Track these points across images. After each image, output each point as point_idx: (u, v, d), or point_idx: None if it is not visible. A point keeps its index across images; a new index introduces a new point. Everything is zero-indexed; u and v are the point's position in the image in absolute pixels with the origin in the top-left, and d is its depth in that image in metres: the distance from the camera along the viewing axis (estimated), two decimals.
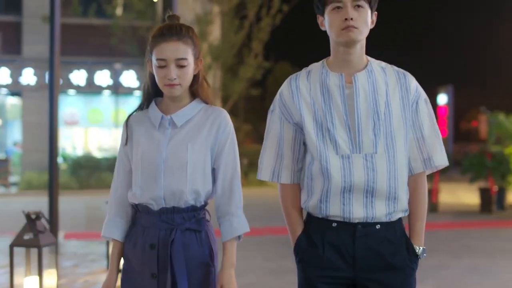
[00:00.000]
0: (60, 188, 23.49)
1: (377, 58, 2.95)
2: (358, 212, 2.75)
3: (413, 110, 2.84)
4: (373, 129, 2.75)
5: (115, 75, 26.83)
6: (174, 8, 8.21)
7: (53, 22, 8.86)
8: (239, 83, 25.69)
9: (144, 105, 2.99)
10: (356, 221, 2.76)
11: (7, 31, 26.68)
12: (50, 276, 5.07)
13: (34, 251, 5.14)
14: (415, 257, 2.84)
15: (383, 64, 2.90)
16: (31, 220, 4.92)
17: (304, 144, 2.86)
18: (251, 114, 46.43)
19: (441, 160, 2.88)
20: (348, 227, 2.76)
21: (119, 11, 25.06)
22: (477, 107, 54.87)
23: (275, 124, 2.90)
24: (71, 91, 27.42)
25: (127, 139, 2.95)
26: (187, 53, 2.83)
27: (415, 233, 2.88)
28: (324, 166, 2.75)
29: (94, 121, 28.19)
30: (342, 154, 2.74)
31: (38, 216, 4.96)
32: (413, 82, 2.86)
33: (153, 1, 24.95)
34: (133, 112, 3.00)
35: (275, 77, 46.25)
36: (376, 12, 2.87)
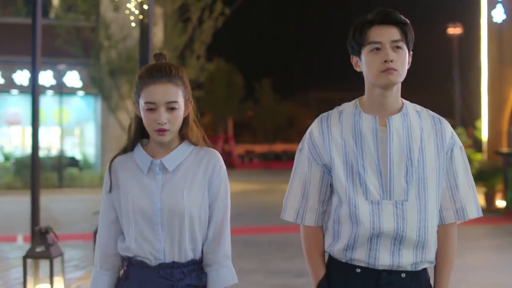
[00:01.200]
0: (5, 188, 23.72)
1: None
2: (384, 259, 2.66)
3: (447, 158, 2.75)
4: (405, 176, 2.66)
5: (59, 76, 27.03)
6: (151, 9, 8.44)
7: (35, 24, 9.05)
8: None
9: (128, 149, 2.79)
10: (381, 268, 2.67)
11: None
12: (58, 284, 5.67)
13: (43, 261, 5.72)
14: None
15: (418, 107, 2.82)
16: (42, 233, 5.54)
17: (331, 186, 2.78)
18: None
19: (475, 212, 2.79)
20: (372, 274, 2.67)
21: (63, 11, 25.22)
22: None
23: (302, 164, 2.80)
24: (14, 91, 27.49)
25: (111, 185, 2.75)
26: (178, 95, 2.66)
27: (441, 284, 2.79)
28: (353, 211, 2.66)
29: None
30: (372, 199, 2.66)
31: (48, 230, 5.58)
32: (448, 129, 2.78)
33: (97, 3, 25.26)
34: (116, 156, 2.80)
35: (210, 74, 46.74)
36: (411, 53, 2.76)
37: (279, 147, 74.43)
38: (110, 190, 2.75)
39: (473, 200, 2.79)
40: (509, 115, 19.19)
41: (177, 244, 2.67)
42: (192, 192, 2.70)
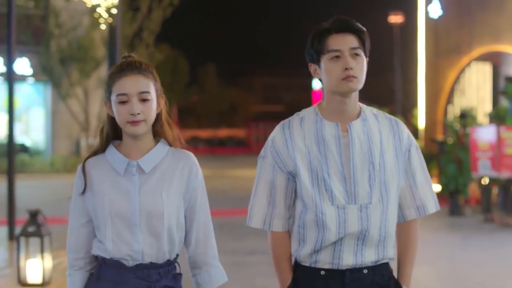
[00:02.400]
0: None
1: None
2: (348, 259, 2.73)
3: (405, 159, 2.83)
4: (369, 180, 2.73)
5: None
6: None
7: (10, 13, 9.50)
8: None
9: (100, 150, 2.77)
10: (345, 267, 2.73)
11: None
12: (47, 259, 6.45)
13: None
14: None
15: (375, 110, 2.87)
16: (33, 215, 6.33)
17: (295, 192, 2.81)
18: None
19: (434, 207, 2.90)
20: (336, 274, 2.74)
21: None
22: None
23: (267, 171, 2.83)
24: None
25: (86, 187, 2.72)
26: (149, 86, 2.68)
27: (404, 277, 2.89)
28: (319, 217, 2.71)
29: None
30: (338, 204, 2.71)
31: (37, 212, 6.37)
32: (405, 130, 2.86)
33: None
34: (88, 157, 2.77)
35: (156, 60, 46.90)
36: (368, 59, 2.81)
37: (223, 132, 74.98)
38: (84, 192, 2.73)
39: (431, 196, 2.91)
40: (444, 105, 20.23)
41: (155, 246, 2.69)
42: (170, 194, 2.72)
